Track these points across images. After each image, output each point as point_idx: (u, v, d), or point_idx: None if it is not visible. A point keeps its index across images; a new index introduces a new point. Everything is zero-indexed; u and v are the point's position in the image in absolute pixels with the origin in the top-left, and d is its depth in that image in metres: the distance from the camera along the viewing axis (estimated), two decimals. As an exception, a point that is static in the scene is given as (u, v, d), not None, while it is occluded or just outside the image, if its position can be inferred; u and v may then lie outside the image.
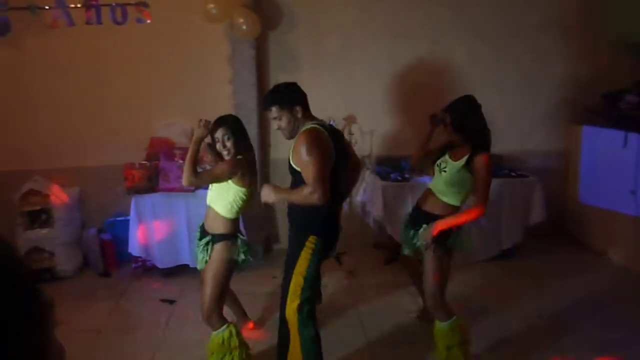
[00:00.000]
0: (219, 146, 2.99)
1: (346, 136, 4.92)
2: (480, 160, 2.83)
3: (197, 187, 3.45)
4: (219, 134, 2.98)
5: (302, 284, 2.75)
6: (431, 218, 2.96)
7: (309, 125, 2.72)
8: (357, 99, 5.04)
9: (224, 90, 4.86)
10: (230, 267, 3.03)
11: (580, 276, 4.36)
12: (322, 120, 2.83)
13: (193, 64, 4.85)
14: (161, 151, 4.48)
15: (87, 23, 4.68)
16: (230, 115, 3.12)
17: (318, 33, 4.94)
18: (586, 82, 5.00)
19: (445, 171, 3.00)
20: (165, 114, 4.89)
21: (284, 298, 2.82)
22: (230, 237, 3.00)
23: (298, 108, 2.71)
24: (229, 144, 2.95)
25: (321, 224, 2.79)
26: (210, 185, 3.09)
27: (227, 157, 2.99)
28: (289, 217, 2.94)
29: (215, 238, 3.00)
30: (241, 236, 3.06)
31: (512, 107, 5.09)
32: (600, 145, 4.72)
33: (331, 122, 4.70)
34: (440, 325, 2.98)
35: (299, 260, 2.76)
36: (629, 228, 4.34)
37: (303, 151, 2.60)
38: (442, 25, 4.99)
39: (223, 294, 3.07)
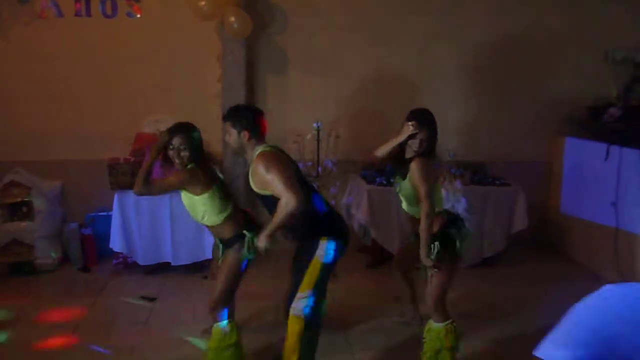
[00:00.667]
0: (172, 153, 2.94)
1: (334, 139, 4.94)
2: (412, 165, 2.92)
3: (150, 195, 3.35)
4: (175, 141, 2.92)
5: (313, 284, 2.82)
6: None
7: (259, 149, 2.81)
8: (345, 102, 5.06)
9: (213, 89, 4.84)
10: (240, 265, 3.02)
11: (559, 285, 4.41)
12: (274, 145, 2.90)
13: (182, 60, 4.83)
14: (146, 147, 4.44)
15: (76, 15, 4.64)
16: (190, 125, 3.02)
17: (309, 35, 4.95)
18: (572, 95, 5.07)
19: (401, 192, 3.09)
20: (152, 110, 4.85)
21: (292, 297, 2.85)
22: (236, 239, 2.96)
23: (245, 133, 2.80)
24: (184, 154, 2.92)
25: (325, 225, 2.87)
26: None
27: (178, 166, 2.95)
28: (295, 238, 3.01)
29: (225, 243, 3.01)
30: (247, 233, 2.95)
31: (497, 118, 5.15)
32: (583, 157, 4.79)
33: (318, 125, 4.75)
34: (435, 326, 3.00)
35: (313, 262, 2.82)
36: (609, 239, 4.40)
37: (262, 172, 2.70)
38: (430, 32, 5.04)
39: (232, 289, 3.10)
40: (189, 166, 2.94)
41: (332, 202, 4.88)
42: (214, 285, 3.09)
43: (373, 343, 3.50)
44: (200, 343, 3.38)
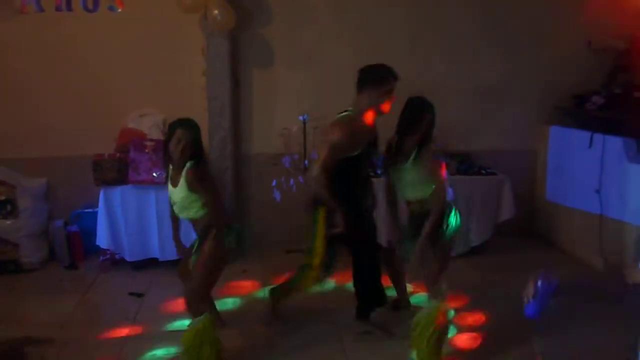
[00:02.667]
0: (173, 148, 2.96)
1: (320, 131, 4.93)
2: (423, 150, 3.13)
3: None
4: (179, 136, 2.97)
5: None
6: None
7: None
8: (331, 95, 5.03)
9: (198, 82, 4.80)
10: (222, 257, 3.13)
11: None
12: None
13: (166, 54, 4.78)
14: (131, 142, 4.41)
15: (57, 9, 4.58)
16: (192, 120, 3.08)
17: (295, 28, 4.93)
18: (556, 84, 5.11)
19: (406, 178, 3.22)
20: (137, 105, 4.82)
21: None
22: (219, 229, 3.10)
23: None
24: (185, 149, 2.97)
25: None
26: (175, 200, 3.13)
27: (177, 161, 3.00)
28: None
29: (204, 234, 3.12)
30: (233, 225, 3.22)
31: (484, 107, 5.17)
32: (567, 145, 4.84)
33: (304, 118, 4.74)
34: (431, 304, 3.04)
35: None
36: (594, 226, 4.45)
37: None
38: (420, 22, 5.03)
39: (212, 282, 3.15)
40: (189, 163, 2.96)
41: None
42: (189, 280, 3.14)
43: (363, 336, 3.51)
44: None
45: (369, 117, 3.21)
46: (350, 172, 3.22)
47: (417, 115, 3.10)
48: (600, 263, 4.41)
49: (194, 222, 3.17)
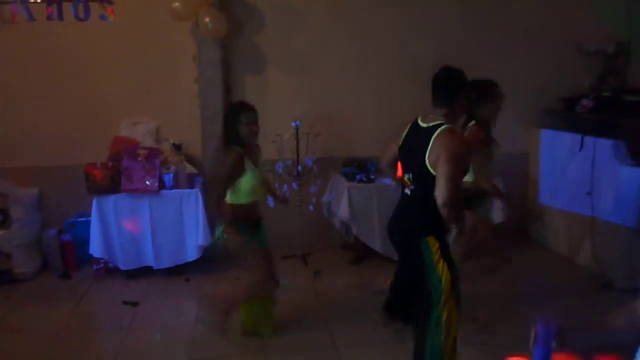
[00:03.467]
0: (246, 128, 3.14)
1: (313, 137, 4.95)
2: None
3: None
4: (249, 117, 3.18)
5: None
6: None
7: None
8: (324, 101, 5.07)
9: (190, 90, 4.81)
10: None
11: (538, 273, 4.49)
12: None
13: (158, 62, 4.79)
14: (124, 150, 4.40)
15: (48, 19, 4.55)
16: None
17: (287, 34, 4.95)
18: (546, 87, 5.15)
19: None
20: (129, 113, 4.82)
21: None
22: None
23: None
24: (255, 128, 3.20)
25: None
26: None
27: (251, 141, 3.22)
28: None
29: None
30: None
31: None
32: (558, 148, 4.87)
33: (296, 124, 4.76)
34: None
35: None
36: (586, 228, 4.49)
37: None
38: (410, 27, 5.06)
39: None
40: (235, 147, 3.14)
41: (313, 200, 4.93)
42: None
43: (357, 339, 3.52)
44: None
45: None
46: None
47: None
48: (593, 264, 4.44)
49: (258, 202, 3.35)
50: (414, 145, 2.72)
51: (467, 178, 3.14)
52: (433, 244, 2.69)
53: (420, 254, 2.72)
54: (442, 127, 2.61)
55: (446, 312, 2.69)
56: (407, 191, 2.78)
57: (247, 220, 3.24)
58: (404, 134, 2.85)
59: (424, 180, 2.63)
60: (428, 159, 2.58)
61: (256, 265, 3.29)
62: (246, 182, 3.16)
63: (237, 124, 3.13)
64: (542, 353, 3.12)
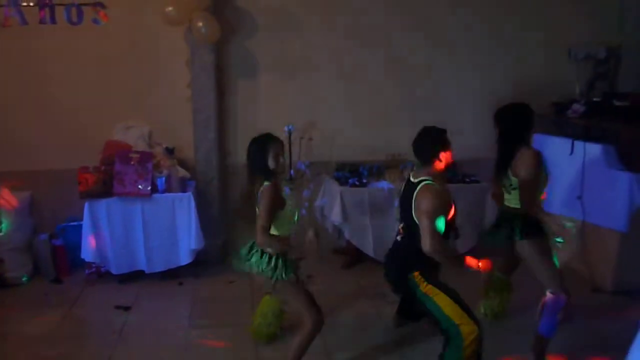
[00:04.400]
0: (274, 162, 2.94)
1: (306, 142, 4.97)
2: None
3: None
4: (279, 148, 2.99)
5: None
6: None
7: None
8: (318, 105, 5.09)
9: (183, 94, 4.82)
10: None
11: (529, 277, 4.50)
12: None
13: (151, 66, 4.79)
14: (116, 154, 4.40)
15: (41, 22, 4.55)
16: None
17: (280, 39, 4.96)
18: (537, 92, 5.18)
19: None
20: (122, 117, 4.82)
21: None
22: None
23: None
24: (283, 160, 3.00)
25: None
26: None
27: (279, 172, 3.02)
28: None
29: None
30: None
31: (467, 115, 5.23)
32: (549, 152, 4.87)
33: (289, 128, 4.77)
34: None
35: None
36: (576, 232, 4.51)
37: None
38: (403, 34, 5.09)
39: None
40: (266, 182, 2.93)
41: (306, 204, 4.94)
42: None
43: (350, 343, 3.53)
44: None
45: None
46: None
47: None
48: (583, 267, 4.47)
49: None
50: (405, 198, 3.03)
51: (515, 203, 3.29)
52: (419, 278, 2.95)
53: (412, 291, 2.98)
54: (422, 183, 2.92)
55: (459, 325, 2.83)
56: (398, 238, 3.12)
57: (285, 254, 3.00)
58: (402, 187, 3.16)
59: (413, 229, 2.93)
60: (414, 212, 2.91)
61: (306, 305, 3.01)
62: (286, 212, 3.00)
63: (266, 157, 2.92)
64: (548, 325, 3.16)
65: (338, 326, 3.74)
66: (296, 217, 3.14)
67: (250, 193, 2.97)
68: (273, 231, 2.98)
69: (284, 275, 2.92)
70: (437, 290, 2.92)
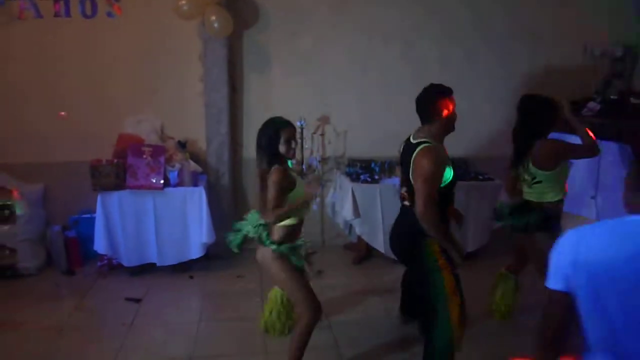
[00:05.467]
0: (286, 147, 2.84)
1: (318, 137, 4.96)
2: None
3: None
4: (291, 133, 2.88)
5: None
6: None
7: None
8: (330, 100, 5.07)
9: (195, 88, 4.83)
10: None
11: (540, 277, 4.46)
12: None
13: (164, 60, 4.80)
14: (129, 148, 4.42)
15: (56, 15, 4.60)
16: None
17: (292, 33, 4.95)
18: (552, 90, 5.11)
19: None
20: (134, 110, 4.83)
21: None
22: None
23: None
24: (295, 145, 2.90)
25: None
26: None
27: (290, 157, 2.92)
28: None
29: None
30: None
31: (480, 112, 5.19)
32: (564, 151, 4.84)
33: (301, 123, 4.76)
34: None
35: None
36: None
37: None
38: (416, 27, 5.06)
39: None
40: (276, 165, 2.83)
41: (318, 200, 4.94)
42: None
43: (359, 339, 3.52)
44: None
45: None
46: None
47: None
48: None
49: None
50: (404, 161, 2.88)
51: (555, 197, 3.25)
52: (432, 245, 2.79)
53: (421, 257, 2.82)
54: (421, 145, 2.76)
55: (452, 311, 2.75)
56: (405, 202, 2.95)
57: (291, 240, 2.93)
58: (401, 147, 2.98)
59: (414, 194, 2.78)
60: (411, 175, 2.77)
61: (304, 299, 2.93)
62: (296, 195, 2.88)
63: (277, 140, 2.83)
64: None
65: (348, 322, 3.73)
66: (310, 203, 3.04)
67: (261, 177, 2.89)
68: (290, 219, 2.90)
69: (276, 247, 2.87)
70: (447, 265, 2.78)
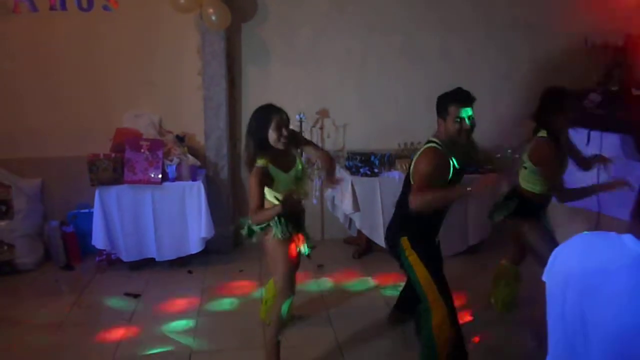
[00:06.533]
0: (277, 134, 2.85)
1: (317, 131, 4.92)
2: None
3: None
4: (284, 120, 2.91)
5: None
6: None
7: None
8: (329, 93, 5.03)
9: (193, 82, 4.79)
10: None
11: (541, 269, 4.45)
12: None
13: (162, 53, 4.76)
14: (127, 142, 4.38)
15: (51, 9, 4.55)
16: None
17: (290, 26, 4.90)
18: (552, 81, 5.07)
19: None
20: (132, 104, 4.80)
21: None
22: None
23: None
24: (286, 132, 2.91)
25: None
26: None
27: (282, 146, 2.90)
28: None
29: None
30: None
31: (481, 105, 5.13)
32: (565, 143, 4.81)
33: (300, 117, 4.73)
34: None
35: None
36: (591, 223, 4.44)
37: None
38: (416, 20, 5.01)
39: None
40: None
41: (317, 194, 4.91)
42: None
43: (360, 334, 3.50)
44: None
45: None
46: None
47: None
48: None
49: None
50: (413, 157, 3.01)
51: (536, 188, 3.31)
52: (405, 243, 2.94)
53: (399, 254, 2.99)
54: (426, 145, 2.88)
55: (435, 315, 2.83)
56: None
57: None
58: None
59: (407, 188, 2.92)
60: (411, 171, 2.91)
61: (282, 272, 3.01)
62: (278, 187, 2.92)
63: (266, 127, 2.84)
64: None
65: (348, 316, 3.71)
66: (301, 177, 3.04)
67: (248, 163, 2.91)
68: (271, 196, 2.95)
69: (279, 234, 2.93)
70: (418, 261, 2.88)
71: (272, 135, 2.84)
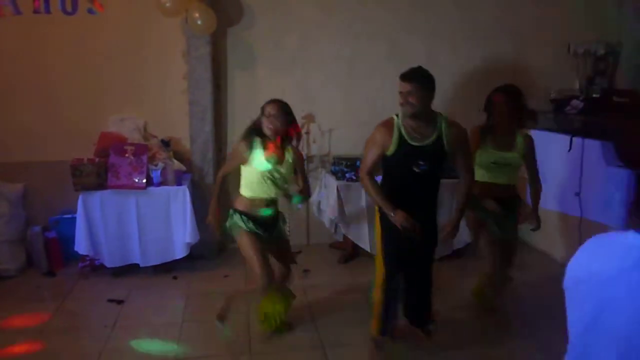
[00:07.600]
0: (267, 122, 3.21)
1: (303, 135, 4.91)
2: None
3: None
4: (273, 109, 3.27)
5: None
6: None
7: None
8: (315, 98, 5.04)
9: (179, 86, 4.77)
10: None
11: (525, 273, 4.49)
12: None
13: (147, 58, 4.73)
14: (111, 146, 4.35)
15: (35, 12, 4.51)
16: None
17: (277, 31, 4.91)
18: (536, 88, 5.16)
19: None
20: (117, 109, 4.76)
21: None
22: None
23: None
24: (276, 122, 3.23)
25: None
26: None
27: (271, 135, 3.23)
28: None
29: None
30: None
31: (466, 111, 5.19)
32: (547, 148, 4.86)
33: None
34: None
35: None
36: (574, 229, 4.50)
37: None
38: (402, 26, 5.05)
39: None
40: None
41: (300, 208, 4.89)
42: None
43: (345, 338, 3.50)
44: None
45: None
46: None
47: None
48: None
49: (275, 199, 3.36)
50: None
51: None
52: (377, 209, 3.16)
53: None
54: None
55: (376, 265, 3.14)
56: None
57: (244, 212, 3.28)
58: None
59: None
60: None
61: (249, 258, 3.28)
62: (246, 175, 3.27)
63: (261, 115, 3.24)
64: None
65: (333, 321, 3.71)
66: (268, 169, 3.23)
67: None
68: (246, 190, 3.29)
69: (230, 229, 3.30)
70: (379, 229, 3.10)
71: (264, 123, 3.21)
